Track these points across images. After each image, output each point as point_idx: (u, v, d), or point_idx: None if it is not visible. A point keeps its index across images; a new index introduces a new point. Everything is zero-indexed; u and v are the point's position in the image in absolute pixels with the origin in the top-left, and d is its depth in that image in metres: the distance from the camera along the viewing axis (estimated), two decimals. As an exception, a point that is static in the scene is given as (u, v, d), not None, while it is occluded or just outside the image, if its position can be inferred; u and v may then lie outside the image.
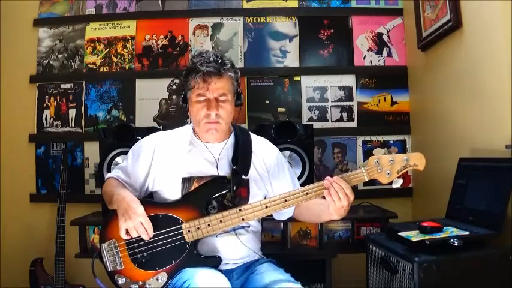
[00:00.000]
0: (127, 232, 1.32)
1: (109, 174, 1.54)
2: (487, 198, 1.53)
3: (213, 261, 1.35)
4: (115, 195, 1.37)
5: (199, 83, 1.37)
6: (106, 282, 1.38)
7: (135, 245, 1.34)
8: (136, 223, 1.29)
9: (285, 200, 1.32)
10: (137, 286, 1.34)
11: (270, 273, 1.36)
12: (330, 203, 1.28)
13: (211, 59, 1.38)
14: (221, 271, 1.36)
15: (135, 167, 1.47)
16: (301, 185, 1.91)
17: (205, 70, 1.36)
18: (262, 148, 1.55)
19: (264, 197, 1.52)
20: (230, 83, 1.43)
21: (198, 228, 1.34)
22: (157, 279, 1.33)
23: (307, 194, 1.32)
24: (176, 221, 1.35)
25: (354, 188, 1.30)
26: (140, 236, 1.32)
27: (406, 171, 1.29)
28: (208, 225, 1.34)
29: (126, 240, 1.34)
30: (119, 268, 1.35)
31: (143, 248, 1.34)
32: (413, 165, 1.27)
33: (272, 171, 1.53)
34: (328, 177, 1.29)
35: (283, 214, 1.52)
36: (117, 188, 1.43)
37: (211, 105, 1.38)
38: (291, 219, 1.58)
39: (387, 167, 1.28)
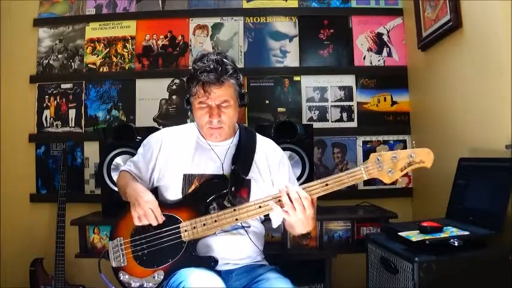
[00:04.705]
0: (140, 220, 1.35)
1: (123, 167, 1.59)
2: (487, 198, 1.53)
3: (209, 262, 1.36)
4: (128, 188, 1.42)
5: (200, 91, 1.36)
6: (111, 278, 1.42)
7: (137, 242, 1.38)
8: (145, 209, 1.32)
9: (279, 200, 1.27)
10: (137, 283, 1.37)
11: (277, 281, 1.35)
12: (285, 215, 1.26)
13: (212, 66, 1.33)
14: (220, 271, 1.37)
15: (144, 161, 1.51)
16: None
17: (205, 80, 1.33)
18: (266, 149, 1.53)
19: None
20: (232, 89, 1.39)
21: (194, 227, 1.35)
22: (154, 277, 1.36)
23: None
24: (176, 220, 1.37)
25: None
26: (148, 231, 1.35)
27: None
28: (204, 224, 1.35)
29: (131, 238, 1.38)
30: (122, 265, 1.38)
31: (144, 246, 1.37)
32: (420, 162, 1.16)
33: (274, 172, 1.51)
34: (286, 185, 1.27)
35: (273, 222, 1.52)
36: (130, 181, 1.48)
37: (213, 113, 1.37)
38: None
39: (389, 164, 1.19)
